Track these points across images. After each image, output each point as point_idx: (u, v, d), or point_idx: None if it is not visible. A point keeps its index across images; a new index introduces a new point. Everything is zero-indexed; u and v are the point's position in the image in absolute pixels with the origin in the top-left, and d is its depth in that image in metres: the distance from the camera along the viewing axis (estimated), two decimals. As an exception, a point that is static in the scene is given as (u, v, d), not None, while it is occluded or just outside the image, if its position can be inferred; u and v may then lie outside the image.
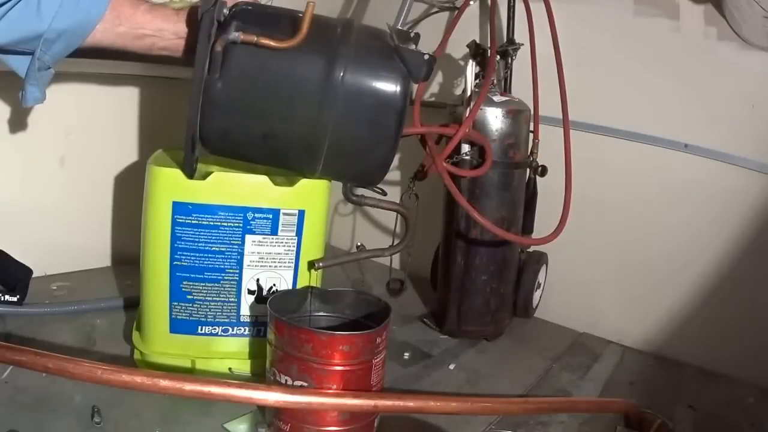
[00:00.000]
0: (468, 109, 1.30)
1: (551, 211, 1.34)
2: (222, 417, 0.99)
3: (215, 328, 1.11)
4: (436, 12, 1.77)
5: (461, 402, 0.97)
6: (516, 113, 1.37)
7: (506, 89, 1.52)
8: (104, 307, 1.35)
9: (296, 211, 1.08)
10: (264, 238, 1.08)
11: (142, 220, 1.08)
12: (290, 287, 1.12)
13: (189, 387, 0.83)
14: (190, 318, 1.09)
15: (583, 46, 1.51)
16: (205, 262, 1.07)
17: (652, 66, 1.46)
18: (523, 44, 1.50)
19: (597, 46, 1.52)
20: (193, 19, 0.96)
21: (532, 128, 1.46)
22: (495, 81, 1.41)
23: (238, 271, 1.09)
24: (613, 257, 1.55)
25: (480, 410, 1.01)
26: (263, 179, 1.07)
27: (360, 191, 1.17)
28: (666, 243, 1.47)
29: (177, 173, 1.03)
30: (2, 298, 1.25)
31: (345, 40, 0.96)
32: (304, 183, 1.08)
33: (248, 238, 1.07)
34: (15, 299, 1.26)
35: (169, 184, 1.03)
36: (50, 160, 1.49)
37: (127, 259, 1.61)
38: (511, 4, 1.53)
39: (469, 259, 1.41)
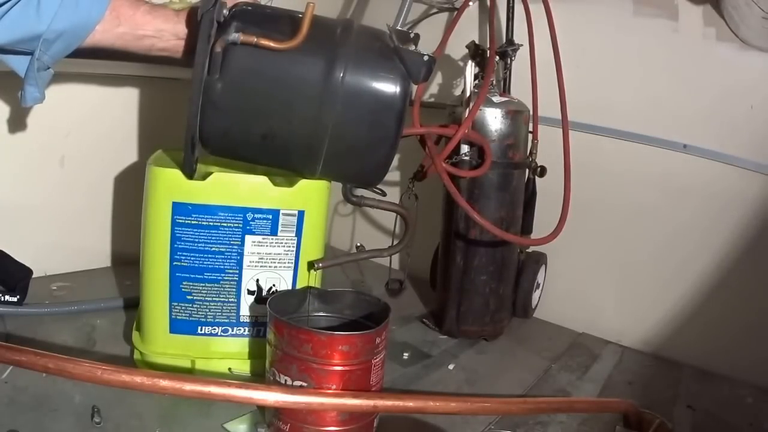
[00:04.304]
0: (467, 109, 1.30)
1: (550, 211, 1.34)
2: (222, 417, 0.99)
3: (215, 329, 1.11)
4: (436, 13, 1.77)
5: (460, 402, 0.97)
6: (515, 114, 1.38)
7: (505, 90, 1.53)
8: (104, 307, 1.35)
9: (296, 212, 1.08)
10: (264, 239, 1.08)
11: (142, 220, 1.09)
12: (290, 288, 1.12)
13: (189, 387, 0.83)
14: (190, 318, 1.10)
15: (582, 47, 1.52)
16: (205, 263, 1.07)
17: (651, 67, 1.47)
18: (522, 45, 1.50)
19: (596, 46, 1.53)
20: (192, 20, 0.96)
21: (531, 129, 1.46)
22: (494, 82, 1.42)
23: (237, 271, 1.09)
24: (612, 257, 1.55)
25: (479, 410, 1.01)
26: (263, 180, 1.07)
27: (359, 192, 1.17)
28: (665, 243, 1.47)
29: (177, 174, 1.03)
30: (2, 298, 1.25)
31: (345, 40, 0.96)
32: (303, 183, 1.08)
33: (248, 238, 1.07)
34: (15, 299, 1.27)
35: (169, 185, 1.04)
36: (50, 160, 1.49)
37: (127, 259, 1.62)
38: (510, 4, 1.53)
39: (469, 260, 1.41)
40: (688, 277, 1.44)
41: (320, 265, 1.11)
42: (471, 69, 1.35)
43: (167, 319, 1.09)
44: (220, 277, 1.08)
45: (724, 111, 1.38)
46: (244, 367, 1.12)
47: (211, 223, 1.05)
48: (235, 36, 0.90)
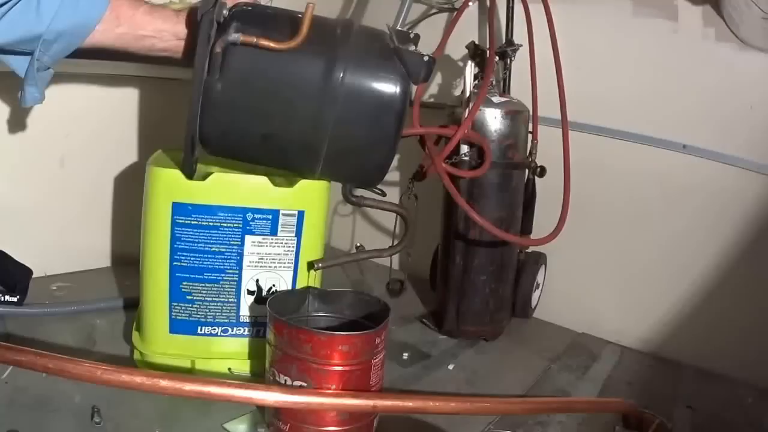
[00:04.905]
0: (467, 109, 1.30)
1: (550, 211, 1.34)
2: (221, 417, 0.99)
3: (215, 329, 1.11)
4: (435, 13, 1.77)
5: (460, 402, 0.97)
6: (515, 114, 1.38)
7: (505, 90, 1.53)
8: (104, 307, 1.35)
9: (296, 212, 1.08)
10: (263, 239, 1.08)
11: (142, 220, 1.09)
12: (290, 288, 1.12)
13: (189, 387, 0.83)
14: (190, 318, 1.10)
15: (582, 47, 1.52)
16: (205, 263, 1.07)
17: (650, 67, 1.47)
18: (521, 45, 1.50)
19: (596, 46, 1.53)
20: (192, 20, 0.96)
21: (530, 129, 1.46)
22: (494, 82, 1.42)
23: (237, 271, 1.09)
24: (611, 258, 1.55)
25: (479, 410, 1.01)
26: (263, 180, 1.07)
27: (359, 192, 1.17)
28: (664, 243, 1.47)
29: (177, 174, 1.03)
30: (2, 298, 1.25)
31: (345, 41, 0.96)
32: (303, 184, 1.08)
33: (248, 238, 1.07)
34: (15, 299, 1.26)
35: (168, 185, 1.04)
36: (50, 161, 1.49)
37: (127, 259, 1.62)
38: (510, 5, 1.53)
39: (468, 260, 1.41)
40: (688, 276, 1.44)
41: (320, 265, 1.11)
42: (471, 69, 1.35)
43: (167, 319, 1.09)
44: (220, 278, 1.09)
45: (723, 111, 1.38)
46: (244, 367, 1.12)
47: (211, 224, 1.05)
48: (235, 36, 0.90)
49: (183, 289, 1.08)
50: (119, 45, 0.96)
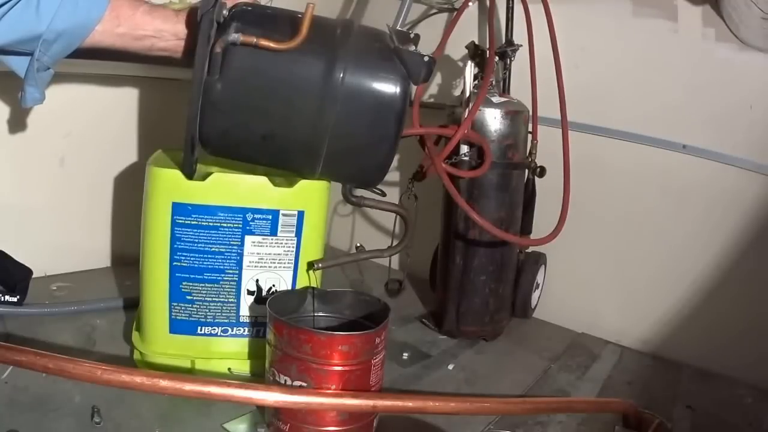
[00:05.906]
0: (467, 110, 1.30)
1: (550, 211, 1.34)
2: (221, 417, 1.00)
3: (215, 329, 1.11)
4: (435, 13, 1.77)
5: (460, 402, 0.97)
6: (514, 114, 1.38)
7: (505, 90, 1.53)
8: (104, 307, 1.35)
9: (295, 212, 1.08)
10: (263, 239, 1.08)
11: (142, 220, 1.09)
12: (289, 288, 1.12)
13: (189, 387, 0.83)
14: (190, 318, 1.10)
15: (582, 47, 1.52)
16: (205, 263, 1.07)
17: (650, 67, 1.47)
18: (521, 45, 1.50)
19: (595, 47, 1.53)
20: (192, 20, 0.96)
21: (530, 129, 1.46)
22: (494, 82, 1.42)
23: (237, 271, 1.09)
24: (611, 258, 1.55)
25: (478, 410, 1.01)
26: (263, 180, 1.07)
27: (359, 192, 1.18)
28: (664, 243, 1.47)
29: (177, 174, 1.03)
30: (2, 298, 1.25)
31: (345, 41, 0.96)
32: (303, 184, 1.08)
33: (248, 238, 1.07)
34: (15, 299, 1.27)
35: (168, 185, 1.04)
36: (50, 161, 1.49)
37: (127, 260, 1.62)
38: (510, 5, 1.53)
39: (468, 260, 1.41)
40: (688, 276, 1.44)
41: (320, 265, 1.12)
42: (470, 69, 1.35)
43: (167, 319, 1.09)
44: (219, 278, 1.09)
45: (723, 111, 1.38)
46: (243, 367, 1.12)
47: (211, 224, 1.05)
48: (234, 36, 0.90)
49: (183, 289, 1.08)
50: (119, 45, 0.96)
